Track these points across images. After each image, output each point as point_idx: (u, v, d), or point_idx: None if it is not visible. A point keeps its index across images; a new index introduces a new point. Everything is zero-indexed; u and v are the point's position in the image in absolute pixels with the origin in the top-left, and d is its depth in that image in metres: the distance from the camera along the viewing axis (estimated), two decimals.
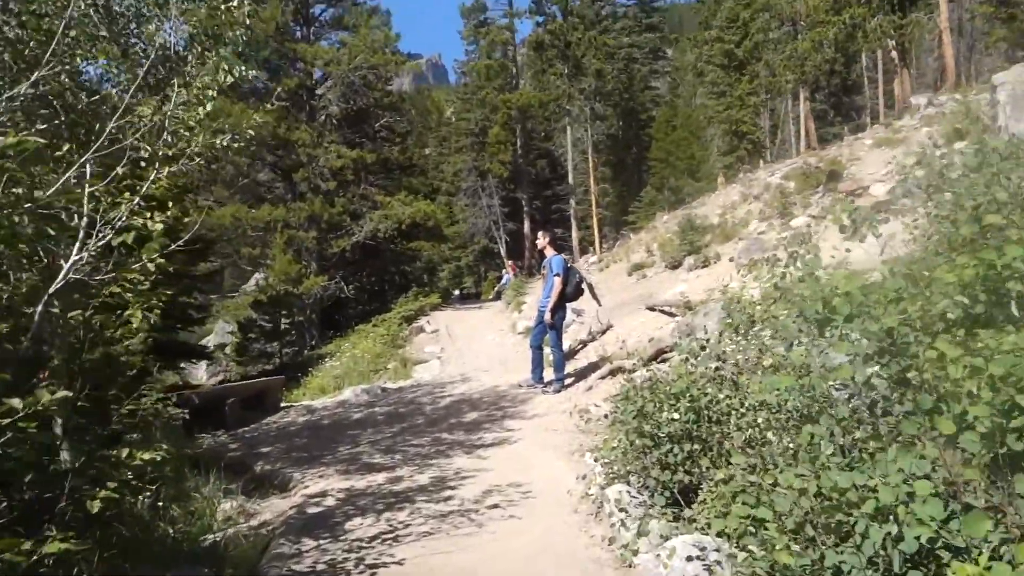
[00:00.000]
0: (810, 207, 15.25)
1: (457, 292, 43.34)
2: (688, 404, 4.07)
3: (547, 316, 8.89)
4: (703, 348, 4.54)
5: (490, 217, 41.85)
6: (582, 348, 11.46)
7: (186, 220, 4.44)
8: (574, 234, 41.76)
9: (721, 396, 4.06)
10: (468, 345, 14.88)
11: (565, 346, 11.53)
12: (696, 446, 4.07)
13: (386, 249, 25.20)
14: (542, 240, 9.39)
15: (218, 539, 4.72)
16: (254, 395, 9.57)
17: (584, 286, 9.38)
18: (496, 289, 32.55)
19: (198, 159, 4.00)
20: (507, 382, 10.19)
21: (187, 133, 3.95)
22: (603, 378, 9.26)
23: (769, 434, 3.82)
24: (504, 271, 34.14)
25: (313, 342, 21.89)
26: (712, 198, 23.14)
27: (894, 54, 23.66)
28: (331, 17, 26.65)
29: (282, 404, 10.22)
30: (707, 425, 4.10)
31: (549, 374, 9.39)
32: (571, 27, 37.96)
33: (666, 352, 9.26)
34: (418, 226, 25.96)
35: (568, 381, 9.31)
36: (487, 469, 6.07)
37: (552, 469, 5.95)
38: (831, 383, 3.03)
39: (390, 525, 4.85)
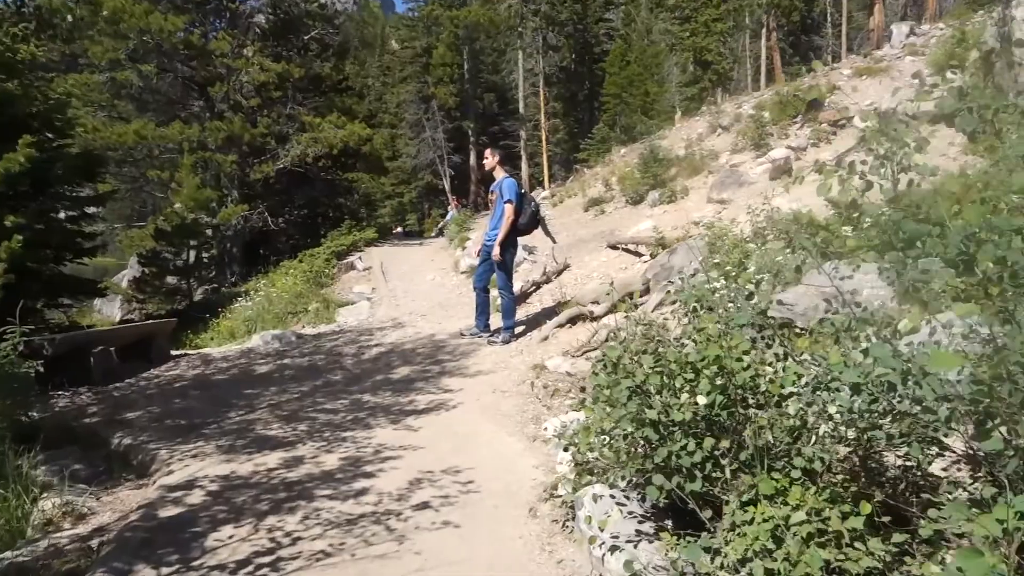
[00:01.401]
0: (788, 138, 14.05)
1: (400, 229, 41.27)
2: (716, 380, 2.71)
3: (495, 251, 7.50)
4: (750, 296, 3.14)
5: (435, 151, 39.77)
6: (535, 291, 10.12)
7: None
8: (524, 170, 40.13)
9: (775, 367, 2.71)
10: (404, 285, 13.34)
11: (516, 288, 10.22)
12: (725, 443, 2.73)
13: (318, 178, 23.16)
14: (490, 159, 7.92)
15: (8, 562, 3.28)
16: (136, 342, 7.94)
17: (538, 218, 8.02)
18: (439, 226, 30.87)
19: None
20: (447, 330, 8.82)
21: None
22: (561, 326, 8.02)
23: (850, 432, 2.51)
24: (448, 207, 32.51)
25: (234, 279, 20.00)
26: (674, 131, 21.77)
27: None
28: None
29: (174, 352, 8.63)
30: (740, 412, 2.76)
31: (496, 321, 8.05)
32: None
33: (637, 295, 8.01)
34: (354, 153, 23.98)
35: (519, 329, 8.00)
36: (417, 446, 4.74)
37: (501, 448, 4.66)
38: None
39: (272, 540, 3.47)
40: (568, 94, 52.03)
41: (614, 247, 11.45)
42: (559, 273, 10.79)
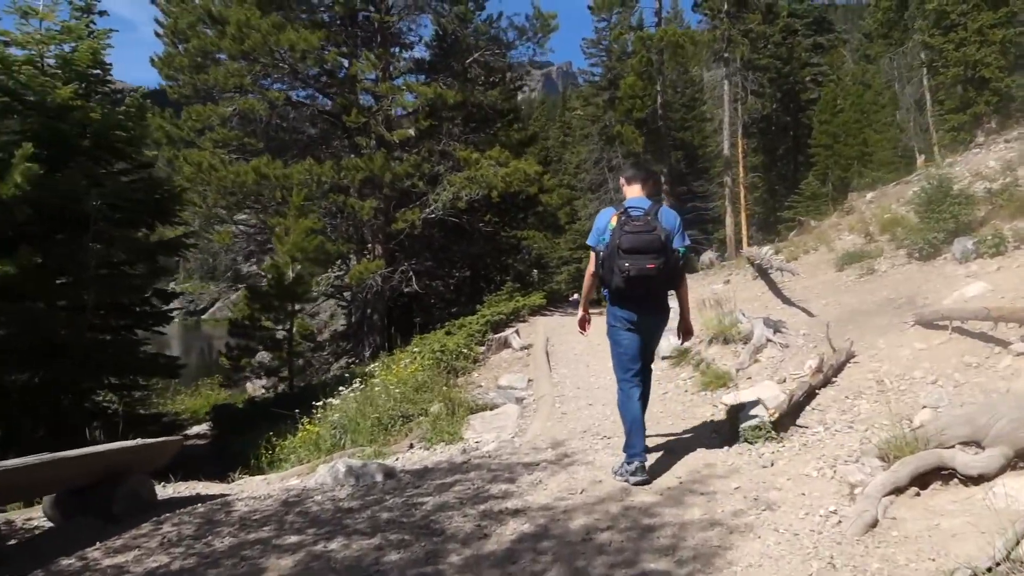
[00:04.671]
0: None
1: (576, 296, 37.32)
2: None
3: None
4: None
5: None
6: (805, 399, 5.92)
7: None
8: (728, 225, 35.41)
9: None
10: (575, 376, 9.23)
11: (769, 394, 6.13)
12: None
13: (477, 231, 19.92)
14: (626, 185, 5.01)
15: None
16: (92, 483, 4.53)
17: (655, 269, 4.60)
18: None
19: None
20: (652, 472, 4.76)
21: None
22: (900, 491, 3.98)
23: None
24: None
25: (368, 352, 16.89)
26: (944, 167, 16.84)
27: None
28: None
29: (170, 493, 5.21)
30: None
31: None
32: None
33: None
34: (523, 206, 20.67)
35: (804, 489, 4.03)
36: None
37: None
38: None
39: None
40: (766, 147, 47.40)
41: (932, 326, 7.08)
42: (839, 369, 6.58)
